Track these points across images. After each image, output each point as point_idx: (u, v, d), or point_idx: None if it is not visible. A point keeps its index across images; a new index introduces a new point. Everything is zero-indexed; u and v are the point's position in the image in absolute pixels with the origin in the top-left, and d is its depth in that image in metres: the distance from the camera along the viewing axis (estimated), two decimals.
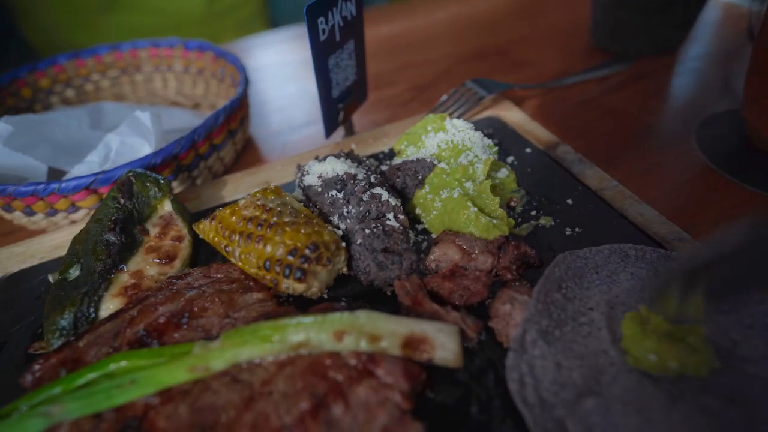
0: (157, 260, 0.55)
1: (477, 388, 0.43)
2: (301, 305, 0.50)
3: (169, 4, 1.56)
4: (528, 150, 0.69)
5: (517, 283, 0.49)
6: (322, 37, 0.64)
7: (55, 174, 0.73)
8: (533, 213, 0.60)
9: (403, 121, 0.79)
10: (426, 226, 0.59)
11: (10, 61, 1.66)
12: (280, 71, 1.15)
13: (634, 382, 0.41)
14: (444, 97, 0.80)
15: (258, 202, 0.53)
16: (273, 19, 1.83)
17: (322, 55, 0.65)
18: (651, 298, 0.42)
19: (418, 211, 0.59)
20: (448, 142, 0.60)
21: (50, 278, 0.57)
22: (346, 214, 0.53)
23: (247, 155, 0.87)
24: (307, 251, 0.48)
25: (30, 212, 0.67)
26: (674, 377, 0.41)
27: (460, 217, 0.54)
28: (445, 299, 0.49)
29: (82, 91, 0.97)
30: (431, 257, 0.53)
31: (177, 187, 0.73)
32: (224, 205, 0.67)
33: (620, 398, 0.40)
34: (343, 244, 0.52)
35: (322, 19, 0.62)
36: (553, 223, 0.58)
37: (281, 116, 0.97)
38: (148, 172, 0.61)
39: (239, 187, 0.70)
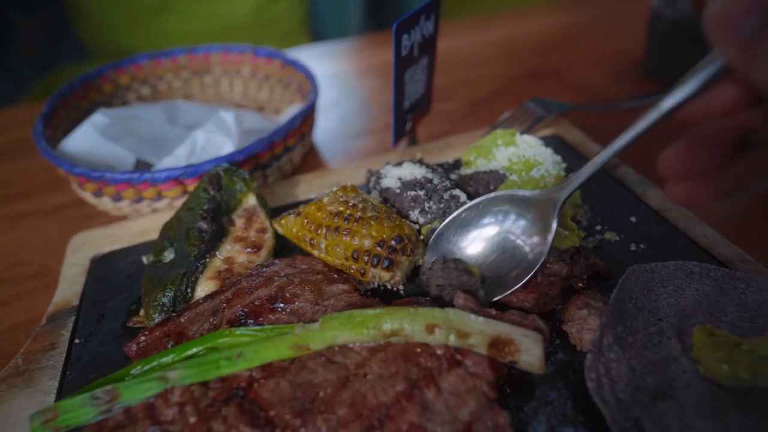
0: (246, 249, 0.59)
1: (552, 386, 0.46)
2: (382, 299, 0.53)
3: (218, 11, 1.63)
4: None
5: (588, 291, 0.52)
6: (404, 53, 0.68)
7: (140, 164, 0.79)
8: (598, 228, 0.62)
9: (466, 134, 0.83)
10: None
11: (62, 58, 1.75)
12: (332, 82, 1.20)
13: (707, 389, 0.43)
14: (506, 114, 0.84)
15: (341, 199, 0.57)
16: (314, 30, 1.90)
17: (401, 68, 0.69)
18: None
19: None
20: (519, 156, 0.64)
21: (144, 259, 0.61)
22: (427, 209, 0.57)
23: (310, 159, 0.92)
24: (393, 242, 0.52)
25: (118, 198, 0.72)
26: (746, 387, 0.43)
27: None
28: (528, 310, 0.52)
29: (156, 89, 1.03)
30: None
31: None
32: (296, 203, 0.72)
33: (694, 403, 0.42)
34: (421, 237, 0.55)
35: (406, 35, 0.66)
36: (617, 239, 0.61)
37: (336, 125, 1.02)
38: (235, 168, 0.66)
39: (312, 187, 0.74)
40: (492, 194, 0.55)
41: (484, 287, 0.52)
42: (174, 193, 0.71)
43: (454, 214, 0.55)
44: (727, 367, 0.43)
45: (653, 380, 0.44)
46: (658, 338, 0.48)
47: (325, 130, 1.00)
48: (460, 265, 0.51)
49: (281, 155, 0.79)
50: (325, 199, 0.57)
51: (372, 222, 0.54)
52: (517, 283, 0.51)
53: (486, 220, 0.56)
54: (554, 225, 0.52)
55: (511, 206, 0.55)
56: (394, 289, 0.56)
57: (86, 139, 0.74)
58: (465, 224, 0.56)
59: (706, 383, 0.44)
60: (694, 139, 0.38)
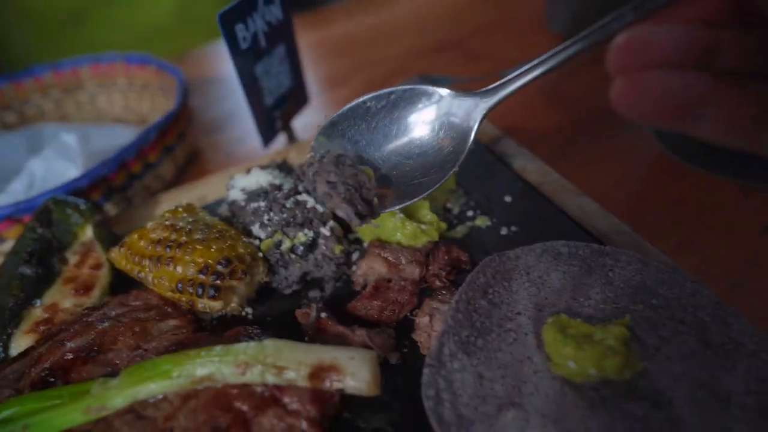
0: (74, 291, 0.52)
1: (398, 406, 0.41)
2: (224, 328, 0.47)
3: (139, 16, 1.53)
4: (471, 146, 0.67)
5: (443, 291, 0.47)
6: (244, 45, 0.61)
7: None
8: (470, 214, 0.57)
9: None
10: (358, 235, 0.56)
11: None
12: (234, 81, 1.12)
13: (557, 391, 0.39)
14: None
15: (167, 223, 0.51)
16: None
17: (246, 63, 0.62)
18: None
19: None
20: None
21: None
22: (266, 221, 0.51)
23: (195, 168, 0.85)
24: (219, 267, 0.46)
25: None
26: (597, 383, 0.39)
27: (387, 225, 0.52)
28: (375, 320, 0.47)
29: (24, 115, 0.94)
30: (358, 273, 0.51)
31: (111, 209, 0.70)
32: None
33: (540, 409, 0.38)
34: (261, 254, 0.50)
35: (241, 25, 0.60)
36: (489, 224, 0.56)
37: (229, 127, 0.95)
38: (69, 198, 0.59)
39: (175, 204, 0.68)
40: (407, 86, 0.48)
41: (379, 194, 0.46)
42: (14, 233, 0.64)
43: (358, 100, 0.48)
44: (574, 364, 0.39)
45: (503, 387, 0.40)
46: (515, 335, 0.44)
47: (212, 135, 0.93)
48: (357, 165, 0.45)
49: (143, 173, 0.72)
50: (149, 225, 0.51)
51: (198, 246, 0.48)
52: (416, 196, 0.45)
53: (395, 115, 0.48)
54: (473, 134, 0.46)
55: (426, 103, 0.48)
56: (242, 313, 0.51)
57: None
58: (368, 116, 0.48)
59: (557, 383, 0.39)
60: (659, 23, 0.34)
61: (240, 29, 0.60)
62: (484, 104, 0.46)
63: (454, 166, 0.46)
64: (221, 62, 1.21)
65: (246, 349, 0.40)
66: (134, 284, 0.56)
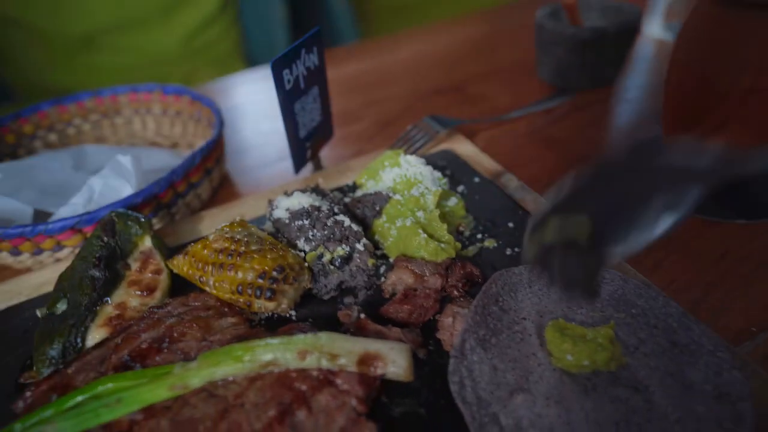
0: (139, 292, 0.60)
1: (425, 391, 0.50)
2: (272, 327, 0.56)
3: (147, 43, 1.63)
4: (476, 179, 0.78)
5: (460, 299, 0.56)
6: (288, 87, 0.71)
7: (40, 215, 0.78)
8: (479, 236, 0.67)
9: (365, 156, 0.87)
10: (385, 251, 0.65)
11: None
12: (255, 109, 1.23)
13: (557, 379, 0.48)
14: (403, 133, 0.89)
15: (226, 235, 0.59)
16: (249, 55, 1.92)
17: (288, 101, 0.73)
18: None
19: (377, 238, 0.66)
20: (402, 176, 0.68)
21: (38, 313, 0.61)
22: (311, 236, 0.60)
23: (224, 190, 0.94)
24: (274, 273, 0.54)
25: (16, 252, 0.71)
26: (589, 373, 0.48)
27: (413, 243, 0.61)
28: (405, 321, 0.56)
29: (64, 135, 1.02)
30: (387, 282, 0.60)
31: (157, 223, 0.78)
32: (200, 239, 0.73)
33: (544, 393, 0.47)
34: (306, 264, 0.58)
35: (287, 71, 0.70)
36: (496, 245, 0.66)
37: (256, 153, 1.04)
38: (129, 212, 0.67)
39: (216, 222, 0.76)
40: None
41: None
42: (74, 242, 0.71)
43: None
44: (572, 357, 0.48)
45: (513, 376, 0.49)
46: (521, 336, 0.53)
47: (239, 160, 1.02)
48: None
49: (186, 192, 0.80)
50: (211, 237, 0.59)
51: (255, 255, 0.56)
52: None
53: None
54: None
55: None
56: (287, 315, 0.59)
57: None
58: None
59: (557, 373, 0.49)
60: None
61: (286, 73, 0.70)
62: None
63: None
64: (233, 94, 1.31)
65: (305, 339, 0.48)
66: (190, 288, 0.64)
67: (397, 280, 0.59)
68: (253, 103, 1.26)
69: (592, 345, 0.49)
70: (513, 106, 1.06)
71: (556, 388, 0.47)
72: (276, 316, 0.59)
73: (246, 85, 1.37)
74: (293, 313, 0.59)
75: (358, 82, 1.28)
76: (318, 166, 0.87)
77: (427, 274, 0.58)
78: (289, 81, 0.71)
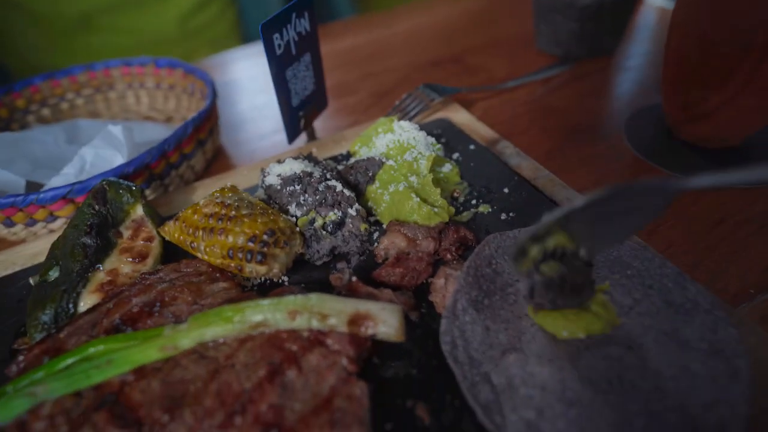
0: (131, 259, 0.60)
1: (417, 353, 0.49)
2: (264, 292, 0.55)
3: (143, 24, 1.60)
4: (472, 147, 0.76)
5: (455, 262, 0.56)
6: (278, 52, 0.70)
7: (33, 187, 0.78)
8: (474, 202, 0.66)
9: (360, 126, 0.86)
10: (378, 217, 0.65)
11: None
12: (249, 84, 1.21)
13: (549, 339, 0.48)
14: (398, 102, 0.87)
15: (217, 200, 0.58)
16: (245, 35, 1.89)
17: (279, 67, 0.71)
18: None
19: (370, 204, 0.65)
20: (395, 142, 0.67)
21: (31, 281, 0.61)
22: (302, 201, 0.59)
23: (218, 163, 0.93)
24: (265, 237, 0.54)
25: (10, 223, 0.71)
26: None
27: (406, 207, 0.60)
28: (398, 284, 0.55)
29: (57, 109, 1.01)
30: (380, 246, 0.59)
31: (150, 194, 0.78)
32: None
33: (537, 352, 0.47)
34: (298, 229, 0.58)
35: (277, 35, 0.68)
36: (490, 210, 0.65)
37: (250, 126, 1.03)
38: (121, 180, 0.66)
39: (208, 192, 0.75)
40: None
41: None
42: (66, 212, 0.71)
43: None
44: (567, 332, 0.47)
45: (505, 336, 0.49)
46: (515, 297, 0.53)
47: (233, 133, 1.01)
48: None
49: (179, 163, 0.80)
50: (201, 202, 0.59)
51: (245, 219, 0.56)
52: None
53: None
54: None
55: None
56: (278, 281, 0.59)
57: None
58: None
59: (549, 334, 0.48)
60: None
61: (276, 38, 0.69)
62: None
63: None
64: (228, 70, 1.29)
65: (295, 300, 0.48)
66: (181, 255, 0.64)
67: (390, 244, 0.58)
68: (247, 78, 1.24)
69: (587, 317, 0.48)
70: (511, 76, 1.04)
71: (549, 348, 0.47)
72: (268, 281, 0.59)
73: (240, 61, 1.35)
74: (285, 278, 0.59)
75: (354, 56, 1.26)
76: (312, 137, 0.86)
77: (420, 238, 0.57)
78: (279, 46, 0.70)
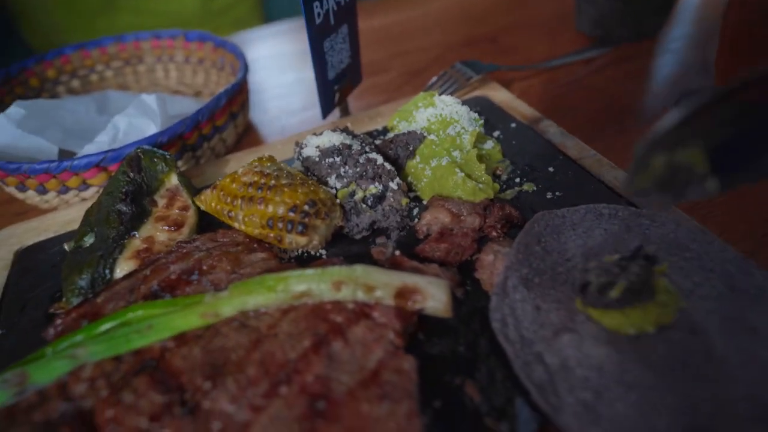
0: (167, 227, 0.58)
1: (464, 330, 0.48)
2: (301, 265, 0.54)
3: (166, 5, 1.60)
4: (513, 125, 0.74)
5: (501, 239, 0.54)
6: (318, 21, 0.68)
7: (65, 155, 0.77)
8: (517, 180, 0.64)
9: (396, 102, 0.83)
10: (418, 193, 0.63)
11: (9, 62, 1.69)
12: (276, 62, 1.19)
13: None
14: (434, 78, 0.84)
15: (255, 169, 0.57)
16: (268, 16, 1.87)
17: (318, 37, 0.69)
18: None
19: (409, 179, 0.63)
20: (437, 116, 0.64)
21: (66, 247, 0.61)
22: (342, 173, 0.57)
23: (248, 138, 0.91)
24: (306, 207, 0.52)
25: (43, 190, 0.71)
26: None
27: (449, 183, 0.58)
28: (442, 260, 0.53)
29: (86, 81, 1.00)
30: (422, 222, 0.57)
31: (182, 166, 0.76)
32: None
33: (592, 333, 0.44)
34: (338, 201, 0.56)
35: (317, 2, 0.66)
36: (535, 189, 0.62)
37: (279, 103, 1.01)
38: (155, 149, 0.65)
39: (241, 164, 0.73)
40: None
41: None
42: (99, 181, 0.70)
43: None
44: (634, 329, 0.44)
45: (557, 316, 0.46)
46: (565, 277, 0.50)
47: (262, 110, 1.00)
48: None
49: (211, 135, 0.78)
50: (240, 171, 0.57)
51: (285, 189, 0.54)
52: None
53: None
54: None
55: None
56: (316, 254, 0.57)
57: (3, 133, 0.72)
58: None
59: None
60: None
61: (316, 6, 0.66)
62: None
63: None
64: (253, 48, 1.27)
65: (339, 270, 0.46)
66: (216, 226, 0.62)
67: (433, 219, 0.56)
68: (274, 55, 1.22)
69: (654, 309, 0.45)
70: (548, 57, 1.00)
71: (605, 330, 0.45)
72: (305, 254, 0.57)
73: (264, 40, 1.32)
74: (323, 252, 0.57)
75: (385, 34, 1.23)
76: (345, 112, 0.84)
77: (465, 214, 0.55)
78: (319, 15, 0.67)
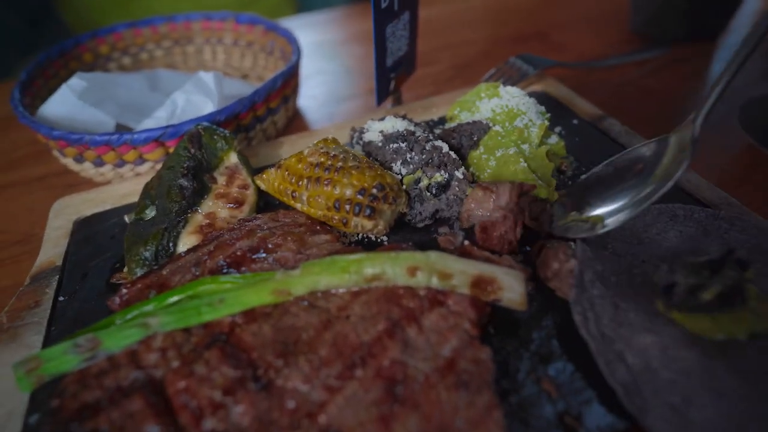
0: (229, 205, 0.58)
1: (535, 326, 0.46)
2: (365, 249, 0.53)
3: None
4: (575, 121, 0.72)
5: (558, 244, 0.51)
6: (384, 4, 0.67)
7: (120, 130, 0.78)
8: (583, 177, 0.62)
9: (451, 93, 0.82)
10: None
11: (45, 41, 1.72)
12: (319, 50, 1.18)
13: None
14: (492, 71, 0.83)
15: (322, 150, 0.56)
16: (300, 5, 1.87)
17: (382, 21, 0.68)
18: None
19: (472, 170, 0.62)
20: (502, 107, 0.63)
21: (126, 219, 0.61)
22: (409, 159, 0.56)
23: (296, 123, 0.91)
24: (374, 190, 0.51)
25: (100, 163, 0.71)
26: None
27: (509, 170, 0.57)
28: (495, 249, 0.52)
29: (137, 59, 1.01)
30: (462, 210, 0.55)
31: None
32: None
33: (676, 336, 0.43)
34: (404, 187, 0.55)
35: None
36: None
37: (324, 90, 1.01)
38: (215, 126, 0.65)
39: (295, 147, 0.73)
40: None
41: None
42: (156, 156, 0.70)
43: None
44: (724, 336, 0.43)
45: (636, 316, 0.45)
46: (642, 278, 0.48)
47: (310, 96, 0.99)
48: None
49: (264, 117, 0.78)
50: (306, 151, 0.56)
51: (353, 171, 0.53)
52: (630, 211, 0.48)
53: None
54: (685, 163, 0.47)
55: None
56: (378, 239, 0.56)
57: (64, 103, 0.72)
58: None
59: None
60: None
61: None
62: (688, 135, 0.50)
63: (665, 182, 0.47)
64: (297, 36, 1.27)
65: (414, 255, 0.45)
66: (275, 207, 0.62)
67: (469, 202, 0.54)
68: (317, 43, 1.22)
69: (747, 316, 0.43)
70: (601, 56, 0.98)
71: (689, 333, 0.43)
72: (366, 239, 0.56)
73: (305, 28, 1.32)
74: (384, 239, 0.56)
75: (430, 27, 1.21)
76: (398, 102, 0.83)
77: (496, 189, 0.53)
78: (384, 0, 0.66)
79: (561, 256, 0.50)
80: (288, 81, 0.79)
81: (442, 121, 0.75)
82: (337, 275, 0.45)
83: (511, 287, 0.44)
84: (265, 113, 0.77)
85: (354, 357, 0.40)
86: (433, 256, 0.45)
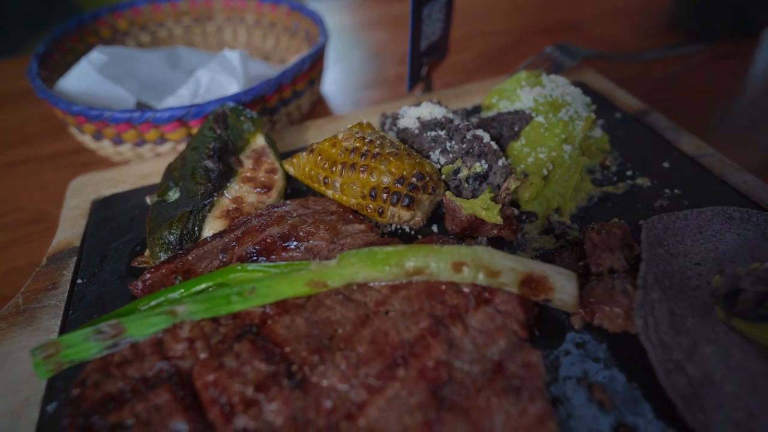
0: (257, 189, 0.55)
1: (583, 329, 0.43)
2: (401, 239, 0.50)
3: None
4: (617, 115, 0.68)
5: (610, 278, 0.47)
6: None
7: (140, 107, 0.75)
8: (629, 173, 0.59)
9: (485, 81, 0.78)
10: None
11: (56, 18, 1.68)
12: (341, 35, 1.14)
13: None
14: (529, 59, 0.79)
15: (358, 135, 0.53)
16: None
17: (419, 2, 0.64)
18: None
19: (509, 161, 0.59)
20: (546, 96, 0.60)
21: (148, 200, 0.58)
22: (449, 148, 0.53)
23: (320, 108, 0.88)
24: (413, 179, 0.48)
25: (119, 141, 0.68)
26: None
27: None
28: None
29: (156, 36, 0.98)
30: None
31: None
32: (305, 148, 0.68)
33: (738, 346, 0.40)
34: (443, 176, 0.52)
35: None
36: (650, 184, 0.57)
37: (348, 77, 0.97)
38: (242, 107, 0.62)
39: (322, 133, 0.70)
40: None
41: None
42: (177, 136, 0.67)
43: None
44: None
45: (693, 323, 0.42)
46: (697, 282, 0.45)
47: (333, 81, 0.96)
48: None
49: (289, 100, 0.75)
50: (341, 135, 0.53)
51: (391, 158, 0.50)
52: None
53: None
54: None
55: None
56: (412, 232, 0.53)
57: (84, 77, 0.69)
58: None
59: None
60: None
61: None
62: None
63: None
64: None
65: (460, 250, 0.42)
66: (302, 193, 0.59)
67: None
68: (339, 28, 1.18)
69: None
70: (637, 49, 0.94)
71: (755, 344, 0.40)
72: (399, 230, 0.53)
73: (328, 12, 1.28)
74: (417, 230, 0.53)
75: (462, 14, 1.17)
76: (429, 88, 0.80)
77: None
78: None
79: (599, 294, 0.45)
80: (315, 63, 0.76)
81: (477, 109, 0.72)
82: (376, 268, 0.42)
83: (563, 288, 0.41)
84: (291, 96, 0.74)
85: (395, 356, 0.38)
86: (480, 251, 0.42)
